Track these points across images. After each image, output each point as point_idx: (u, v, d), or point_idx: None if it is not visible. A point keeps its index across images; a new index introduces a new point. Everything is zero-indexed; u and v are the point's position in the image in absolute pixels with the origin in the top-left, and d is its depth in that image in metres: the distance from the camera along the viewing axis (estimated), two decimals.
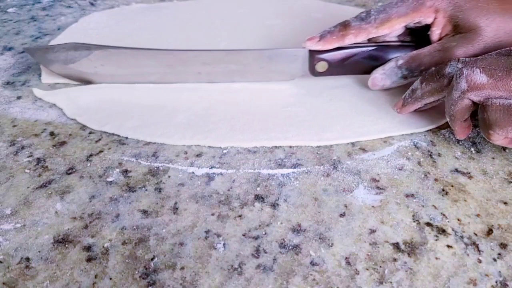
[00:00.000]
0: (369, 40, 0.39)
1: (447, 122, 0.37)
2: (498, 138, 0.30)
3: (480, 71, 0.29)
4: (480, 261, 0.25)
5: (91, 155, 0.33)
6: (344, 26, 0.38)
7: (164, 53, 0.40)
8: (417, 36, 0.40)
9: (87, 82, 0.42)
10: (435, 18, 0.37)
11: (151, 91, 0.41)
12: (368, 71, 0.40)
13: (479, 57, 0.32)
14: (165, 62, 0.40)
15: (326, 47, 0.38)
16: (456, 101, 0.31)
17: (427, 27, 0.38)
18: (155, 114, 0.37)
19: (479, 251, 0.26)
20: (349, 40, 0.38)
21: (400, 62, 0.37)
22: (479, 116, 0.30)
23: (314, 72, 0.40)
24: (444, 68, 0.33)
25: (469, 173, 0.32)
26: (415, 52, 0.37)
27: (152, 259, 0.25)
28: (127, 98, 0.40)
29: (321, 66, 0.39)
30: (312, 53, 0.39)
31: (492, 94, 0.29)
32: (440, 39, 0.38)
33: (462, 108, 0.31)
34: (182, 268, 0.25)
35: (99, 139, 0.35)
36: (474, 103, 0.31)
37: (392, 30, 0.38)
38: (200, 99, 0.39)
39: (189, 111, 0.38)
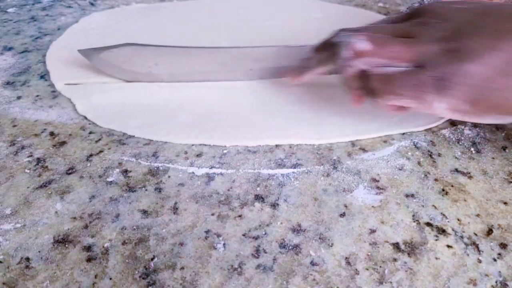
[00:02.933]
0: None
1: (447, 122, 0.37)
2: (381, 105, 0.30)
3: (365, 39, 0.29)
4: (480, 261, 0.25)
5: (91, 155, 0.33)
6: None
7: (218, 50, 0.40)
8: None
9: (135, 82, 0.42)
10: None
11: (158, 90, 0.41)
12: None
13: (370, 24, 0.32)
14: (219, 59, 0.40)
15: None
16: (343, 68, 0.31)
17: None
18: (160, 112, 0.38)
19: (479, 251, 0.26)
20: None
21: None
22: (361, 84, 0.30)
23: None
24: (334, 37, 0.32)
25: (469, 173, 0.32)
26: None
27: (152, 259, 0.25)
28: (136, 97, 0.40)
29: None
30: None
31: (374, 61, 0.29)
32: None
33: (351, 75, 0.31)
34: (182, 268, 0.25)
35: (99, 139, 0.35)
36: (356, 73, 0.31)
37: None
38: (204, 98, 0.40)
39: (193, 110, 0.38)
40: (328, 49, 0.33)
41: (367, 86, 0.30)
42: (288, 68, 0.38)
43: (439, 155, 0.33)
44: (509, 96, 0.27)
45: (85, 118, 0.37)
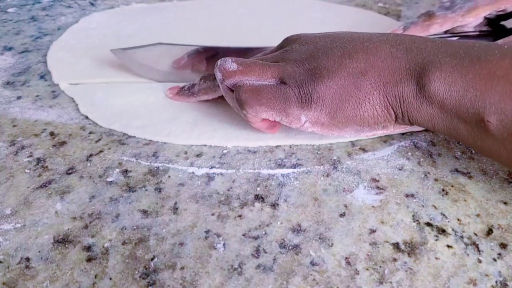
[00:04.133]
0: (446, 32, 0.39)
1: None
2: (253, 119, 0.32)
3: (232, 61, 0.32)
4: (480, 261, 0.25)
5: (91, 155, 0.33)
6: (429, 16, 0.39)
7: (246, 50, 0.40)
8: (493, 25, 0.40)
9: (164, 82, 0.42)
10: None
11: (161, 91, 0.41)
12: None
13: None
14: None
15: None
16: (224, 93, 0.33)
17: (508, 15, 0.38)
18: (163, 113, 0.38)
19: (479, 251, 0.26)
20: (434, 29, 0.38)
21: None
22: (234, 100, 0.32)
23: None
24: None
25: (469, 173, 0.32)
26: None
27: (152, 259, 0.25)
28: (139, 97, 0.40)
29: None
30: None
31: (243, 80, 0.31)
32: None
33: (230, 98, 0.33)
34: (182, 268, 0.25)
35: (99, 139, 0.35)
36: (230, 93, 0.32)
37: (477, 19, 0.39)
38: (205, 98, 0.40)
39: (194, 110, 0.38)
40: (212, 80, 0.36)
41: (237, 98, 0.31)
42: (174, 85, 0.40)
43: (439, 155, 0.33)
44: (361, 107, 0.29)
45: (86, 118, 0.38)
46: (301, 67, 0.31)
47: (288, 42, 0.35)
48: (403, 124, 0.30)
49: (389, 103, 0.29)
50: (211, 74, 0.36)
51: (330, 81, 0.29)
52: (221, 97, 0.35)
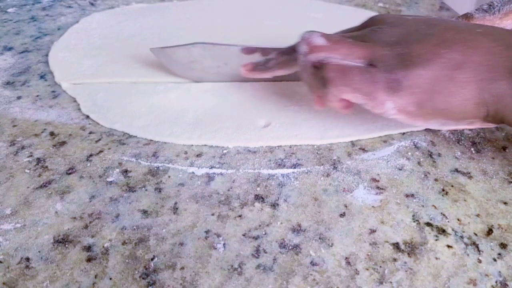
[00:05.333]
0: None
1: None
2: (332, 98, 0.31)
3: (319, 35, 0.31)
4: (480, 261, 0.25)
5: (91, 155, 0.33)
6: (467, 17, 0.38)
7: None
8: None
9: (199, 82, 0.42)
10: None
11: (163, 91, 0.41)
12: None
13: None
14: None
15: None
16: (302, 67, 0.32)
17: None
18: (164, 113, 0.38)
19: (479, 251, 0.26)
20: None
21: None
22: (315, 77, 0.31)
23: None
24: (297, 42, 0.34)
25: (469, 173, 0.32)
26: None
27: (152, 259, 0.25)
28: (141, 98, 0.40)
29: None
30: None
31: (327, 56, 0.31)
32: None
33: (311, 73, 0.32)
34: (182, 268, 0.25)
35: (99, 139, 0.35)
36: (313, 68, 0.32)
37: None
38: (208, 99, 0.40)
39: (196, 111, 0.38)
40: (291, 53, 0.35)
41: (322, 76, 0.30)
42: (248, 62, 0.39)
43: (439, 155, 0.33)
44: (452, 101, 0.28)
45: (86, 118, 0.38)
46: (392, 50, 0.29)
47: (374, 21, 0.33)
48: (492, 122, 0.29)
49: (483, 100, 0.28)
50: (289, 48, 0.35)
51: (423, 70, 0.28)
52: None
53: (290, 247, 0.26)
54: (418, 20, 0.32)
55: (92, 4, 0.64)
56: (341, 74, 0.30)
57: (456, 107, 0.28)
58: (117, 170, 0.32)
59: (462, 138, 0.35)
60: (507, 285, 0.24)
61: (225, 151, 0.34)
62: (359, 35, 0.32)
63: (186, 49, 0.40)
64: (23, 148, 0.34)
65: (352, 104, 0.32)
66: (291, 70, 0.36)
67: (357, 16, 0.61)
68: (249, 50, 0.39)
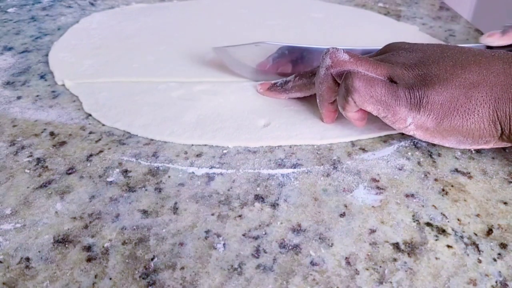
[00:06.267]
0: None
1: None
2: (353, 108, 0.32)
3: (343, 51, 0.33)
4: (480, 261, 0.25)
5: (91, 155, 0.33)
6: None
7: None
8: None
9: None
10: None
11: (166, 90, 0.41)
12: None
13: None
14: None
15: (510, 42, 0.40)
16: (322, 79, 0.33)
17: None
18: (166, 113, 0.38)
19: (479, 251, 0.26)
20: None
21: None
22: (341, 85, 0.32)
23: None
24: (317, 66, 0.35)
25: (469, 173, 0.32)
26: None
27: (152, 259, 0.25)
28: (143, 97, 0.40)
29: None
30: None
31: (350, 69, 0.32)
32: None
33: (329, 86, 0.33)
34: (182, 268, 0.25)
35: (99, 139, 0.35)
36: (335, 80, 0.33)
37: None
38: (209, 99, 0.40)
39: (197, 110, 0.38)
40: (310, 77, 0.36)
41: (347, 84, 0.31)
42: (266, 81, 0.41)
43: (439, 155, 0.33)
44: (469, 118, 0.29)
45: (86, 118, 0.38)
46: (411, 71, 0.31)
47: (391, 48, 0.35)
48: (507, 141, 0.30)
49: (498, 119, 0.29)
50: (306, 72, 0.37)
51: (441, 88, 0.30)
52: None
53: (290, 247, 0.26)
54: (433, 45, 0.34)
55: (92, 4, 0.64)
56: (367, 84, 0.30)
57: (473, 124, 0.29)
58: (117, 170, 0.32)
59: None
60: (507, 285, 0.24)
61: (225, 151, 0.34)
62: (377, 59, 0.34)
63: (247, 48, 0.40)
64: (23, 148, 0.34)
65: (365, 117, 0.33)
66: (307, 93, 0.37)
67: (357, 16, 0.61)
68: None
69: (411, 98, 0.30)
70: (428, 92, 0.30)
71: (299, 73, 0.38)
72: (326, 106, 0.35)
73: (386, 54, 0.35)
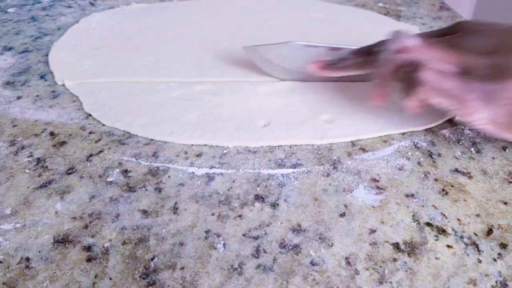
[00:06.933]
0: None
1: (447, 122, 0.37)
2: (418, 98, 0.31)
3: (413, 36, 0.31)
4: (480, 261, 0.25)
5: (91, 155, 0.33)
6: None
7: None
8: None
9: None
10: None
11: (166, 90, 0.41)
12: None
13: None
14: None
15: None
16: (386, 61, 0.32)
17: None
18: (166, 112, 0.38)
19: (479, 251, 0.26)
20: None
21: None
22: (409, 74, 0.31)
23: None
24: (378, 45, 0.34)
25: (469, 173, 0.32)
26: None
27: (152, 259, 0.25)
28: (143, 96, 0.40)
29: None
30: None
31: (419, 58, 0.30)
32: None
33: (391, 70, 0.32)
34: (182, 268, 0.25)
35: (99, 139, 0.35)
36: (400, 67, 0.32)
37: None
38: (209, 99, 0.40)
39: (197, 110, 0.38)
40: (370, 54, 0.34)
41: (416, 76, 0.30)
42: (318, 59, 0.39)
43: (439, 155, 0.33)
44: None
45: (86, 118, 0.38)
46: (487, 60, 0.29)
47: (463, 28, 0.33)
48: None
49: None
50: (362, 49, 0.36)
51: None
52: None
53: (290, 247, 0.26)
54: (507, 30, 0.31)
55: (92, 4, 0.64)
56: (438, 77, 0.29)
57: None
58: (117, 170, 0.32)
59: (462, 138, 0.35)
60: (507, 285, 0.24)
61: (225, 151, 0.34)
62: (447, 40, 0.32)
63: (277, 48, 0.40)
64: (23, 148, 0.34)
65: (424, 106, 0.32)
66: (364, 71, 0.36)
67: (357, 16, 0.61)
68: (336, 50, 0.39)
69: (486, 91, 0.28)
70: (506, 85, 0.28)
71: (355, 51, 0.36)
72: (382, 88, 0.33)
73: (457, 36, 0.32)
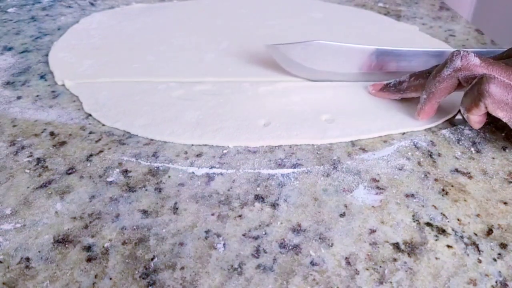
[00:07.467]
0: None
1: (446, 122, 0.37)
2: (481, 112, 0.32)
3: (475, 55, 0.32)
4: (480, 261, 0.25)
5: (91, 155, 0.33)
6: None
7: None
8: None
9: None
10: None
11: (166, 90, 0.41)
12: None
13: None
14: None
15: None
16: (444, 78, 0.33)
17: None
18: (166, 112, 0.38)
19: (479, 251, 0.26)
20: None
21: None
22: (472, 88, 0.31)
23: None
24: (437, 69, 0.34)
25: (469, 173, 0.32)
26: None
27: (152, 259, 0.25)
28: (143, 96, 0.40)
29: None
30: None
31: (484, 73, 0.31)
32: None
33: (448, 86, 0.33)
34: (182, 268, 0.25)
35: (99, 139, 0.35)
36: (458, 85, 0.33)
37: None
38: (210, 99, 0.40)
39: (197, 110, 0.38)
40: (425, 77, 0.36)
41: (481, 88, 0.30)
42: (378, 81, 0.40)
43: (439, 155, 0.33)
44: None
45: (86, 118, 0.38)
46: None
47: None
48: None
49: None
50: (422, 72, 0.37)
51: None
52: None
53: (290, 247, 0.26)
54: None
55: (92, 4, 0.64)
56: (503, 90, 0.30)
57: None
58: (117, 170, 0.32)
59: (462, 138, 0.35)
60: (507, 285, 0.24)
61: (225, 151, 0.34)
62: (506, 61, 0.33)
63: (300, 47, 0.40)
64: (23, 148, 0.34)
65: (484, 120, 0.33)
66: (417, 94, 0.37)
67: (357, 16, 0.61)
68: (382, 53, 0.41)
69: None
70: None
71: (414, 74, 0.37)
72: (432, 104, 0.35)
73: None
